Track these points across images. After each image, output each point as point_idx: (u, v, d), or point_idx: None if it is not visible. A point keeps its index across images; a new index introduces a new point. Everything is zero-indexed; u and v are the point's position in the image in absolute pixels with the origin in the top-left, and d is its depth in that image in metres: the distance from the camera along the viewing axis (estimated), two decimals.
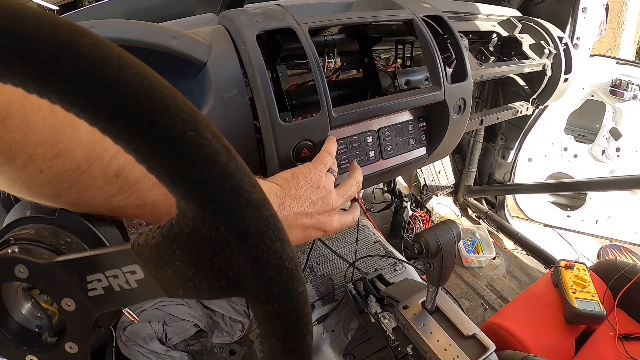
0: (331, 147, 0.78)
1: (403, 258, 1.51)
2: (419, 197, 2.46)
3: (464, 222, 2.59)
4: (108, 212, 0.44)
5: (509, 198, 2.43)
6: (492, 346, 0.93)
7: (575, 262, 1.45)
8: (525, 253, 2.29)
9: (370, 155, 0.99)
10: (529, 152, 2.22)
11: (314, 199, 0.64)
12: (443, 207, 2.63)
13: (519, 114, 1.60)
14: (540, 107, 1.71)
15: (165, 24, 1.03)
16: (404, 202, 2.19)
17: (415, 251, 0.89)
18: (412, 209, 2.25)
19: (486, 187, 2.48)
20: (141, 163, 0.24)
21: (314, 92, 0.93)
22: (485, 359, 0.92)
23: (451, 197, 2.69)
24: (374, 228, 1.68)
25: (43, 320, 0.40)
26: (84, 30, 0.21)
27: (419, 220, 2.25)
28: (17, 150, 0.35)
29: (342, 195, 0.70)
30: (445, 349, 0.92)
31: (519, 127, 2.12)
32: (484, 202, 2.59)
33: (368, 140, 0.98)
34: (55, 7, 6.15)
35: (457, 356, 0.91)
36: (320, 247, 1.63)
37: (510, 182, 2.31)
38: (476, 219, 2.59)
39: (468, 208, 2.64)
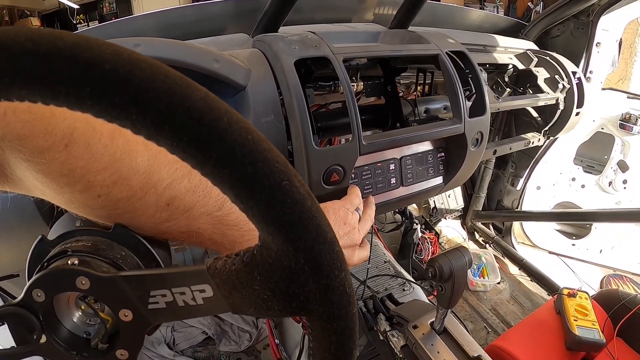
0: (358, 191, 0.82)
1: (411, 278, 1.53)
2: (428, 220, 2.48)
3: (470, 246, 2.60)
4: (153, 235, 0.46)
5: (515, 224, 2.45)
6: None
7: (578, 290, 1.47)
8: (530, 279, 2.30)
9: (392, 182, 1.03)
10: (538, 181, 2.25)
11: (341, 233, 0.67)
12: (451, 230, 2.65)
13: (531, 145, 1.64)
14: (552, 138, 1.74)
15: (203, 43, 1.06)
16: (414, 224, 2.21)
17: (429, 275, 0.92)
18: (421, 231, 2.26)
19: (494, 212, 2.51)
20: (236, 203, 0.27)
21: (339, 116, 0.97)
22: None
23: (459, 221, 2.71)
24: (384, 248, 1.70)
25: (92, 327, 0.41)
26: (194, 84, 0.24)
27: (427, 242, 2.26)
28: (79, 176, 0.37)
29: (361, 232, 0.73)
30: None
31: (530, 156, 2.16)
32: (491, 227, 2.61)
33: (391, 168, 1.02)
34: (76, 6, 6.23)
35: None
36: None
37: (518, 209, 2.34)
38: (483, 243, 2.61)
39: (475, 232, 2.66)
